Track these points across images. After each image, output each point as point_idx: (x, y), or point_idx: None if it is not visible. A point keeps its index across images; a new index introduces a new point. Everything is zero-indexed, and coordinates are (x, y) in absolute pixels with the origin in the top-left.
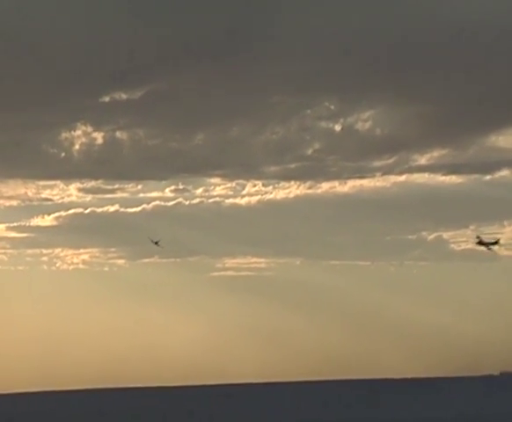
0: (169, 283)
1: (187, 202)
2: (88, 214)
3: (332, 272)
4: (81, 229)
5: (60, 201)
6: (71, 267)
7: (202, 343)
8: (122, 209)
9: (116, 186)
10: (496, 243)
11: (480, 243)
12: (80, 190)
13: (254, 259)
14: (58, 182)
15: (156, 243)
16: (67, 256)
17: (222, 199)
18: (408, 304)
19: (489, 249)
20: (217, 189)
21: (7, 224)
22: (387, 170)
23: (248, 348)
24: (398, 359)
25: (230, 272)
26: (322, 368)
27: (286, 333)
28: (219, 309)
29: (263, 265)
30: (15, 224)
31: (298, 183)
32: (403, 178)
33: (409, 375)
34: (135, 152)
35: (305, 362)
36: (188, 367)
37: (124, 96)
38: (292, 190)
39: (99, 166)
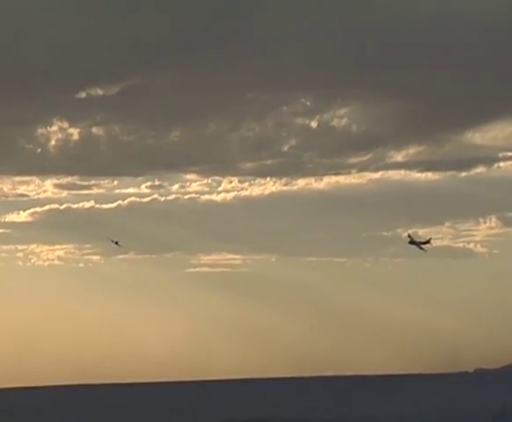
0: (144, 279)
1: (163, 198)
2: (63, 210)
3: (308, 269)
4: (56, 225)
5: (35, 197)
6: (46, 263)
7: (178, 339)
8: (98, 205)
9: (92, 182)
10: (427, 242)
11: (412, 242)
12: (56, 186)
13: (230, 256)
14: (34, 178)
15: (116, 242)
16: (42, 252)
17: (197, 195)
18: (384, 301)
19: (421, 248)
20: (193, 185)
21: None
22: (363, 167)
23: (223, 345)
24: (373, 356)
25: (205, 269)
26: (298, 365)
27: (261, 330)
28: (194, 305)
29: (238, 262)
30: None
31: (274, 179)
32: (379, 174)
33: (384, 372)
34: (111, 148)
35: (281, 359)
36: (164, 364)
37: (100, 92)
38: (268, 186)
39: (75, 162)
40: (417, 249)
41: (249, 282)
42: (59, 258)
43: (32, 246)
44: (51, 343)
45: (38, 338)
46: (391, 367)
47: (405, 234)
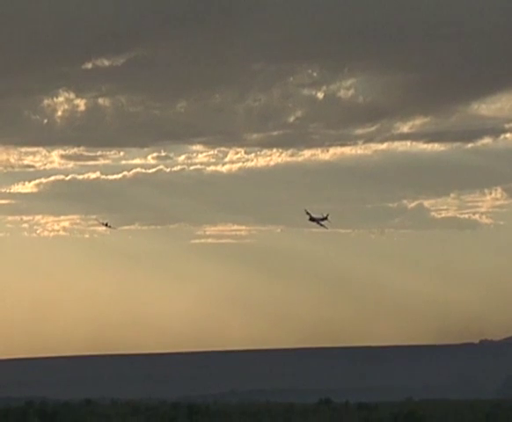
0: (149, 250)
1: (169, 169)
2: (69, 180)
3: (313, 240)
4: (62, 196)
5: (41, 168)
6: (52, 234)
7: (183, 310)
8: (103, 176)
9: (98, 153)
10: (325, 218)
11: (311, 219)
12: (62, 157)
13: (235, 227)
14: (40, 149)
15: (106, 224)
16: (47, 223)
17: (203, 166)
18: (389, 272)
19: (320, 225)
20: (199, 156)
21: None
22: (369, 138)
23: (228, 316)
24: (378, 327)
25: (210, 240)
26: (303, 336)
27: (266, 301)
28: (200, 276)
29: (244, 233)
30: None
31: (280, 150)
32: (384, 145)
33: (388, 343)
34: (117, 119)
35: (286, 330)
36: (169, 335)
37: (107, 63)
38: (274, 157)
39: (81, 133)
40: (424, 219)
41: (254, 253)
42: (64, 228)
43: (38, 217)
44: (56, 314)
45: (42, 309)
46: (394, 338)
47: (304, 210)
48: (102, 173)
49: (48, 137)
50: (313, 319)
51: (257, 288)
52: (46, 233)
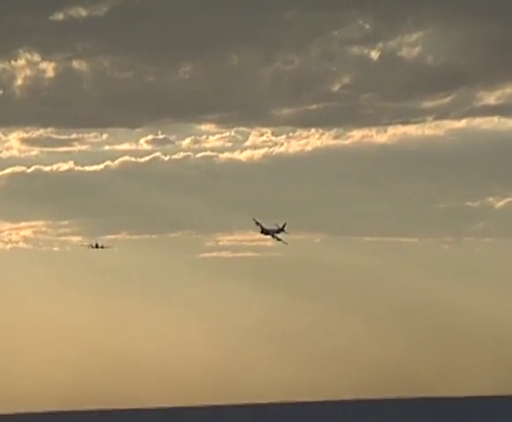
0: (142, 268)
1: (168, 158)
2: (32, 173)
3: (366, 253)
4: (23, 195)
5: None
6: (8, 247)
7: (190, 348)
8: (79, 167)
9: (72, 136)
10: (282, 229)
11: (263, 231)
12: (23, 141)
13: (258, 236)
14: None
15: (96, 246)
16: (3, 231)
17: (215, 153)
18: (469, 295)
19: (278, 239)
20: (210, 139)
21: None
22: (441, 114)
23: (252, 355)
24: (459, 370)
25: (225, 253)
26: (356, 383)
27: (301, 335)
28: (210, 302)
29: (270, 244)
30: None
31: (320, 131)
32: (463, 123)
33: (476, 393)
34: (98, 89)
35: (332, 375)
36: (171, 382)
37: (83, 12)
38: (312, 140)
39: (50, 108)
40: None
41: (284, 271)
42: (25, 239)
43: None
44: (16, 355)
45: None
46: (483, 386)
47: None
48: (77, 163)
49: (5, 114)
50: (370, 360)
51: (288, 318)
52: (1, 245)
